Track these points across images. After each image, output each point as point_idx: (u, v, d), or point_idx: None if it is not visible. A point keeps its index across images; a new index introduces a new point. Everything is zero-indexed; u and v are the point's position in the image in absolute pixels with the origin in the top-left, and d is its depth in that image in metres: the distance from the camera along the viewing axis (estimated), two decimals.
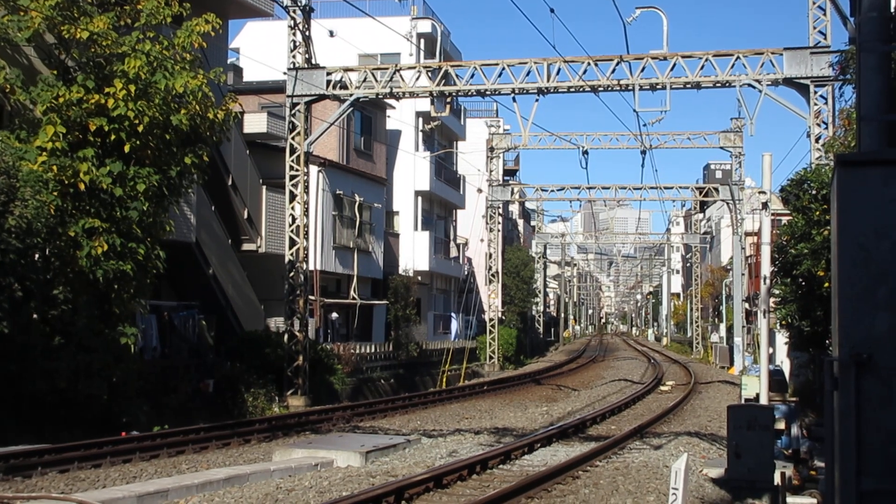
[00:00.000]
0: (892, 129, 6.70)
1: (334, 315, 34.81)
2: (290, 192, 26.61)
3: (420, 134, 46.18)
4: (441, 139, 50.67)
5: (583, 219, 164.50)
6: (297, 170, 26.51)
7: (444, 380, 36.87)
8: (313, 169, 31.73)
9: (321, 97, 26.89)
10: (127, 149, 17.77)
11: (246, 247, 29.89)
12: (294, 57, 26.68)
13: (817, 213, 18.76)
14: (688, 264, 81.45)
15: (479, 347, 47.44)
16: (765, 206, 16.13)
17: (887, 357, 5.30)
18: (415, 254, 44.74)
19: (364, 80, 26.27)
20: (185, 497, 12.59)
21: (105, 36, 17.67)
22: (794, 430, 14.35)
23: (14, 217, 15.17)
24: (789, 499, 11.49)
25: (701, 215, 78.17)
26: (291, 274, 26.39)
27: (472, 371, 42.34)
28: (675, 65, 24.09)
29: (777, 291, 21.55)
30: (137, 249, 17.99)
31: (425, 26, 45.29)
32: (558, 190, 49.02)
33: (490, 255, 47.03)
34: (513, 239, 70.53)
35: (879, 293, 5.34)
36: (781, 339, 29.22)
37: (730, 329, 49.87)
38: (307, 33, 26.80)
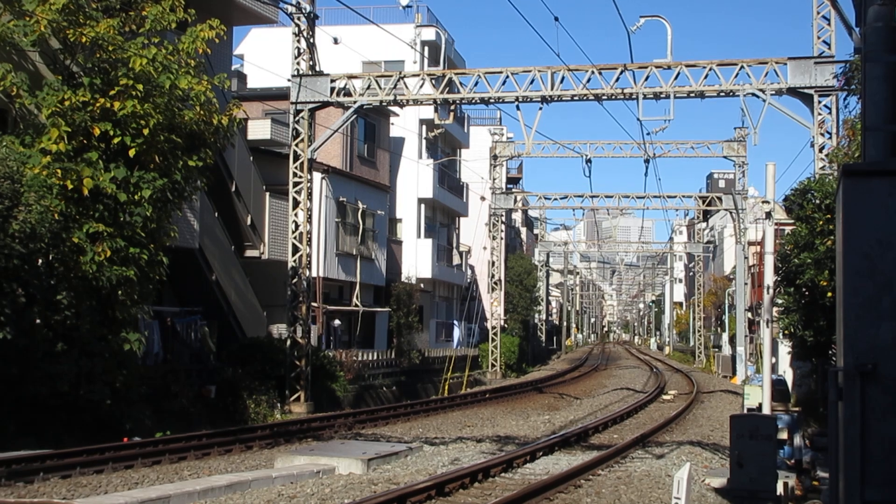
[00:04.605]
0: None
1: (336, 322, 34.78)
2: (294, 198, 26.64)
3: (423, 141, 46.21)
4: (444, 147, 50.72)
5: (585, 227, 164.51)
6: (300, 176, 26.54)
7: (447, 387, 36.83)
8: (317, 176, 31.74)
9: (325, 104, 26.93)
10: (132, 153, 17.78)
11: (249, 253, 29.88)
12: (298, 64, 26.73)
13: (821, 222, 18.77)
14: (690, 273, 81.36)
15: (481, 355, 47.39)
16: (768, 215, 16.11)
17: (892, 367, 5.29)
18: (417, 261, 44.74)
19: (368, 88, 26.32)
20: (187, 503, 12.59)
21: (110, 41, 17.70)
22: (797, 440, 14.33)
23: (18, 222, 15.19)
24: None
25: (704, 224, 78.14)
26: (294, 280, 26.41)
27: (475, 379, 42.28)
28: (678, 74, 24.11)
29: (780, 301, 21.52)
30: (141, 255, 18.00)
31: (429, 34, 45.36)
32: (561, 198, 49.04)
33: (493, 263, 46.99)
34: (515, 247, 70.50)
35: (884, 303, 5.34)
36: (784, 348, 29.21)
37: (732, 338, 49.80)
38: (311, 40, 26.86)
